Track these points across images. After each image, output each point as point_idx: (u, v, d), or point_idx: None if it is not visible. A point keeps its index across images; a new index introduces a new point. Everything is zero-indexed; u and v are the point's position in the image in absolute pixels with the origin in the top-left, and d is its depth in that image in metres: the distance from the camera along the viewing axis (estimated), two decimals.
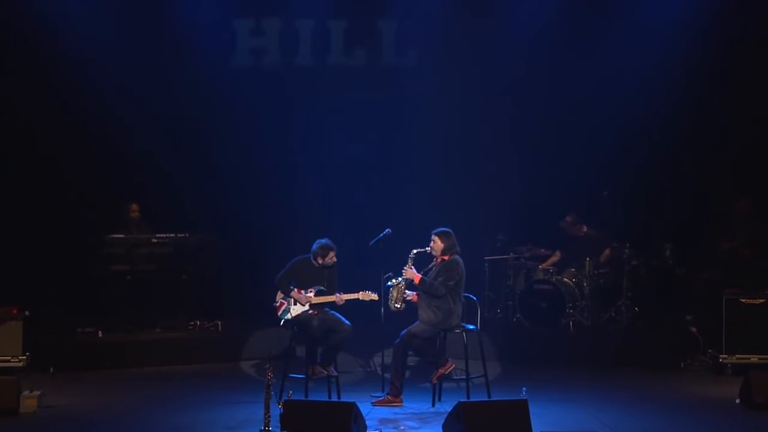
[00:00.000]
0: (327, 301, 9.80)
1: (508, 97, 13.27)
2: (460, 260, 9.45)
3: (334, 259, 9.88)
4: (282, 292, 9.86)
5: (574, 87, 13.04)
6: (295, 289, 9.81)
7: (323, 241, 9.89)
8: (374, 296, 9.71)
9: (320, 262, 9.86)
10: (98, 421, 8.97)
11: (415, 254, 9.44)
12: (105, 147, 13.13)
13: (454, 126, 13.38)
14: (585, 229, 12.59)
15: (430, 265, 9.57)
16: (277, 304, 9.89)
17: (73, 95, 12.89)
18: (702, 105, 12.87)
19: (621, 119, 12.98)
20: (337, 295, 9.74)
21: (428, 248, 9.46)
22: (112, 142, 13.12)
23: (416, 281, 9.37)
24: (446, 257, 9.42)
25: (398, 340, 9.45)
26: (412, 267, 9.42)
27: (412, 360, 10.06)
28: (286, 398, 7.98)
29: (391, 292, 9.48)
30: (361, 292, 9.70)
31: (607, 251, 12.38)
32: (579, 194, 13.00)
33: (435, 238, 9.46)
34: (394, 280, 9.47)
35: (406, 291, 9.48)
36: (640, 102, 12.89)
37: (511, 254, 12.77)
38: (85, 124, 13.02)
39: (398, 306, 9.46)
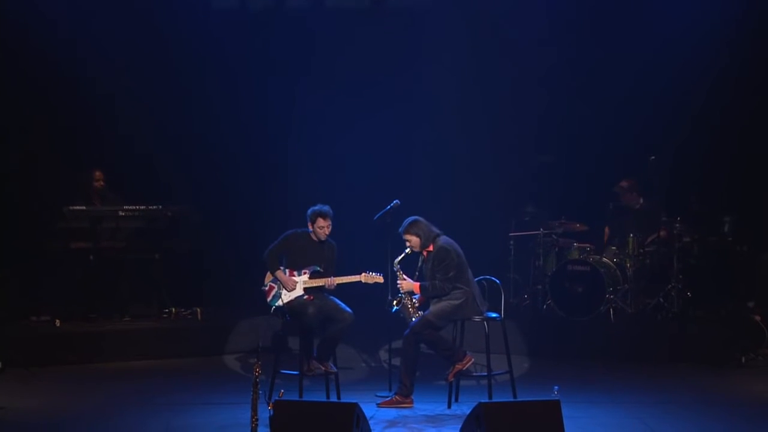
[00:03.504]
0: (318, 284, 9.70)
1: (538, 45, 13.15)
2: (447, 242, 9.49)
3: (327, 231, 9.75)
4: (269, 270, 9.74)
5: (616, 33, 12.91)
6: (287, 270, 9.70)
7: (317, 206, 9.76)
8: (379, 278, 9.66)
9: (310, 228, 9.73)
10: (55, 426, 8.90)
11: (399, 264, 9.52)
12: (63, 104, 13.05)
13: (474, 79, 13.32)
14: (641, 201, 12.45)
15: (420, 262, 9.62)
16: (267, 288, 9.81)
17: (23, 42, 12.78)
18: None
19: (672, 70, 12.90)
20: (329, 279, 9.64)
21: (407, 250, 9.53)
22: (72, 99, 13.05)
23: (417, 290, 9.50)
24: (430, 248, 9.49)
25: (408, 330, 9.40)
26: (405, 277, 9.52)
27: (424, 354, 9.98)
28: (277, 398, 7.93)
29: (403, 311, 9.54)
30: (363, 274, 9.64)
31: (663, 232, 12.21)
32: (621, 159, 12.92)
33: (406, 237, 9.52)
34: (396, 300, 9.53)
35: (413, 298, 9.54)
36: (694, 48, 12.74)
37: (541, 230, 12.71)
38: (39, 76, 12.91)
39: (419, 315, 9.49)
